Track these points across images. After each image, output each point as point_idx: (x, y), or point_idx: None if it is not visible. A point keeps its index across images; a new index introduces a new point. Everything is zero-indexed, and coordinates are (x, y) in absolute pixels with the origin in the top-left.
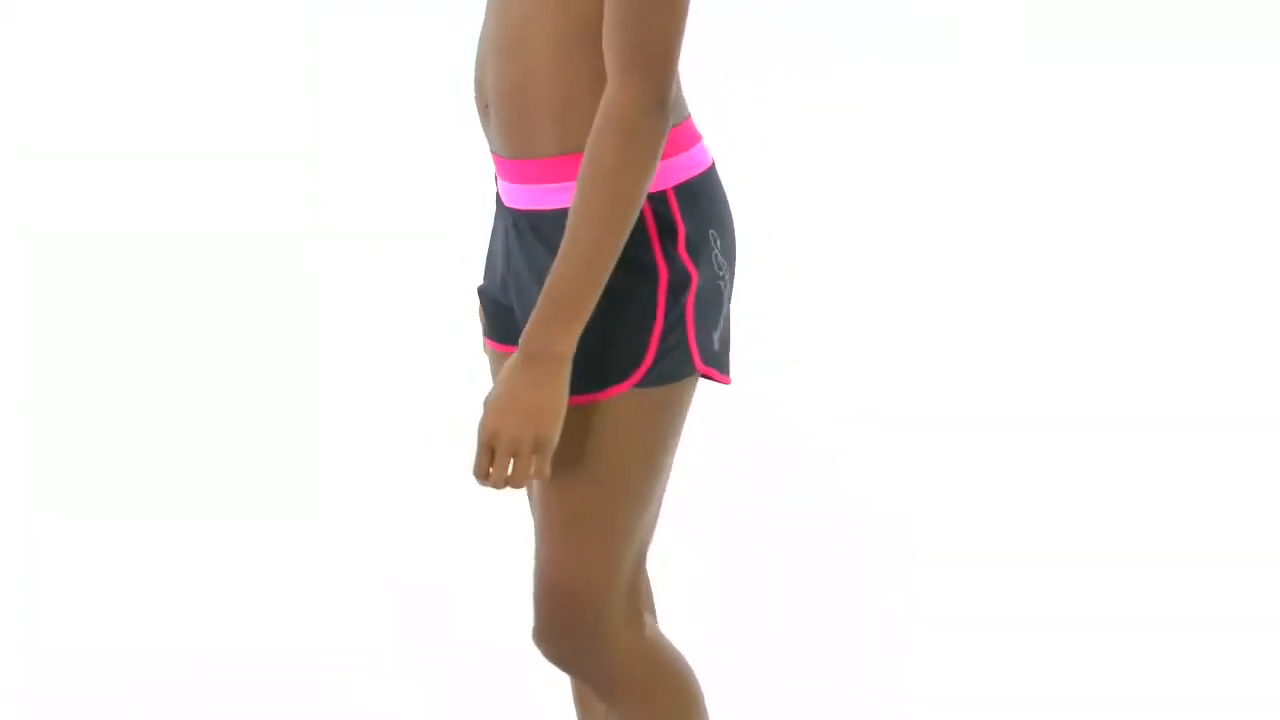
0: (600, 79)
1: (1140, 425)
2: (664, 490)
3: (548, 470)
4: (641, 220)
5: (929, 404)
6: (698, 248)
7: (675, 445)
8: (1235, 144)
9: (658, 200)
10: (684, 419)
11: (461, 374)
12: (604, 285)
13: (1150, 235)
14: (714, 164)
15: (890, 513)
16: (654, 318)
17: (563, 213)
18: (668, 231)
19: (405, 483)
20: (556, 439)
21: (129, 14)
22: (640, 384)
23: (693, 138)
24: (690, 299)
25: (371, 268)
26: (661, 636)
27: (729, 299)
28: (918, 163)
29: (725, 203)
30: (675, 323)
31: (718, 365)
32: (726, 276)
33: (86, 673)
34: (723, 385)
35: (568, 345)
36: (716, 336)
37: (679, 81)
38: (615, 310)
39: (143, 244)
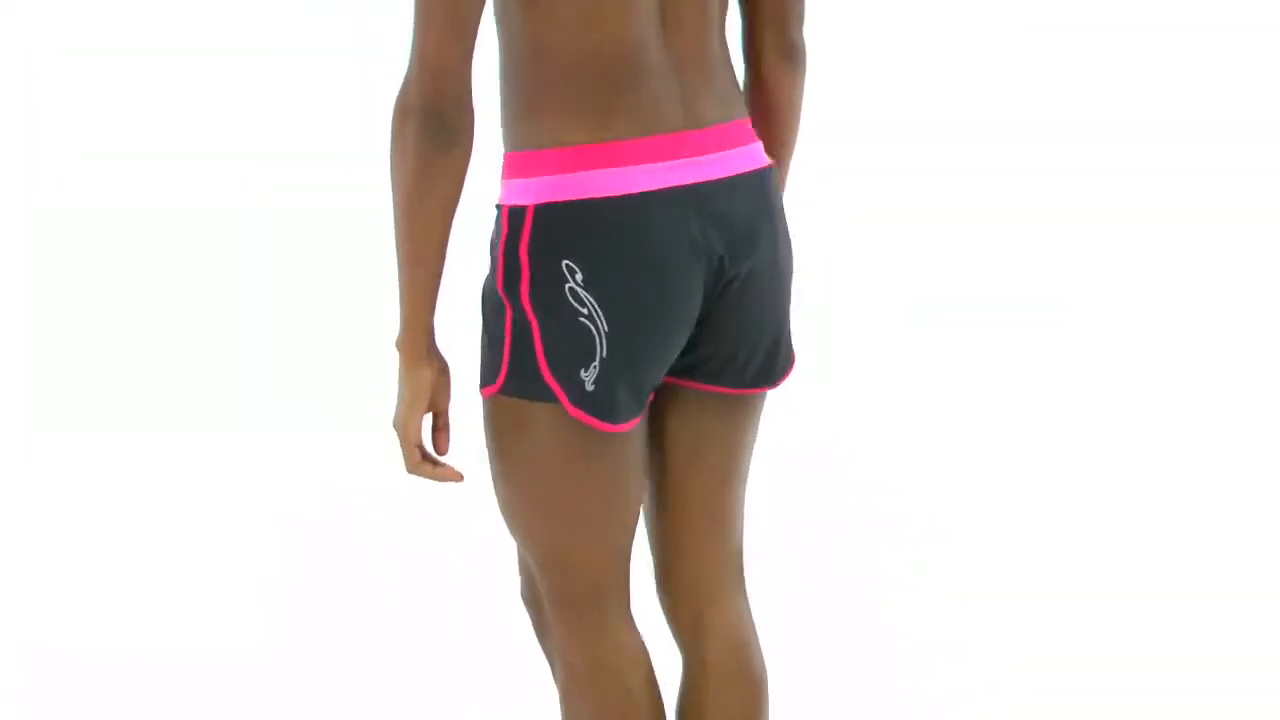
0: (508, 61)
1: (1143, 418)
2: (580, 518)
3: (411, 458)
4: (498, 229)
5: (926, 404)
6: (541, 280)
7: (570, 476)
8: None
9: (517, 214)
10: (568, 453)
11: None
12: (418, 283)
13: (1155, 232)
14: (615, 198)
15: (887, 511)
16: (504, 333)
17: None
18: (513, 250)
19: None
20: (409, 430)
21: (129, 14)
22: (500, 393)
23: (580, 163)
24: (535, 328)
25: (372, 269)
26: (611, 673)
27: (607, 338)
28: (914, 160)
29: (619, 236)
30: (523, 345)
31: (593, 409)
32: (595, 315)
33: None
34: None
35: (403, 340)
36: (589, 377)
37: (584, 102)
38: (488, 313)
39: (140, 240)
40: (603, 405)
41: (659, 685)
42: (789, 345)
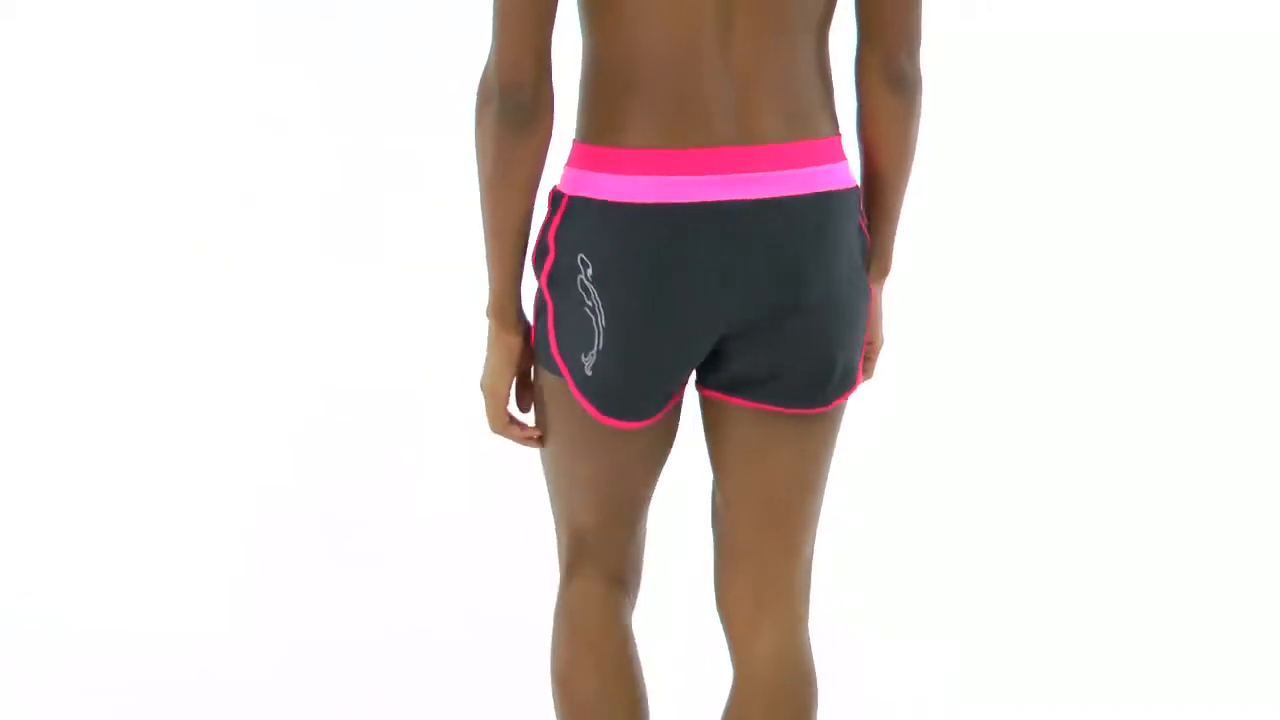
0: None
1: (1137, 417)
2: (577, 484)
3: (496, 419)
4: (545, 210)
5: (924, 400)
6: (562, 265)
7: (572, 446)
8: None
9: (556, 199)
10: (572, 425)
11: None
12: (504, 256)
13: (1160, 231)
14: (632, 205)
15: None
16: (533, 305)
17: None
18: (545, 232)
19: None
20: (498, 392)
21: (132, 17)
22: (539, 361)
23: (611, 164)
24: (550, 307)
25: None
26: (570, 619)
27: (604, 332)
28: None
29: (626, 243)
30: (541, 321)
31: (591, 396)
32: (597, 308)
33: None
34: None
35: (492, 308)
36: (588, 362)
37: (611, 104)
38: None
39: (138, 236)
40: (600, 395)
41: (626, 667)
42: (845, 369)
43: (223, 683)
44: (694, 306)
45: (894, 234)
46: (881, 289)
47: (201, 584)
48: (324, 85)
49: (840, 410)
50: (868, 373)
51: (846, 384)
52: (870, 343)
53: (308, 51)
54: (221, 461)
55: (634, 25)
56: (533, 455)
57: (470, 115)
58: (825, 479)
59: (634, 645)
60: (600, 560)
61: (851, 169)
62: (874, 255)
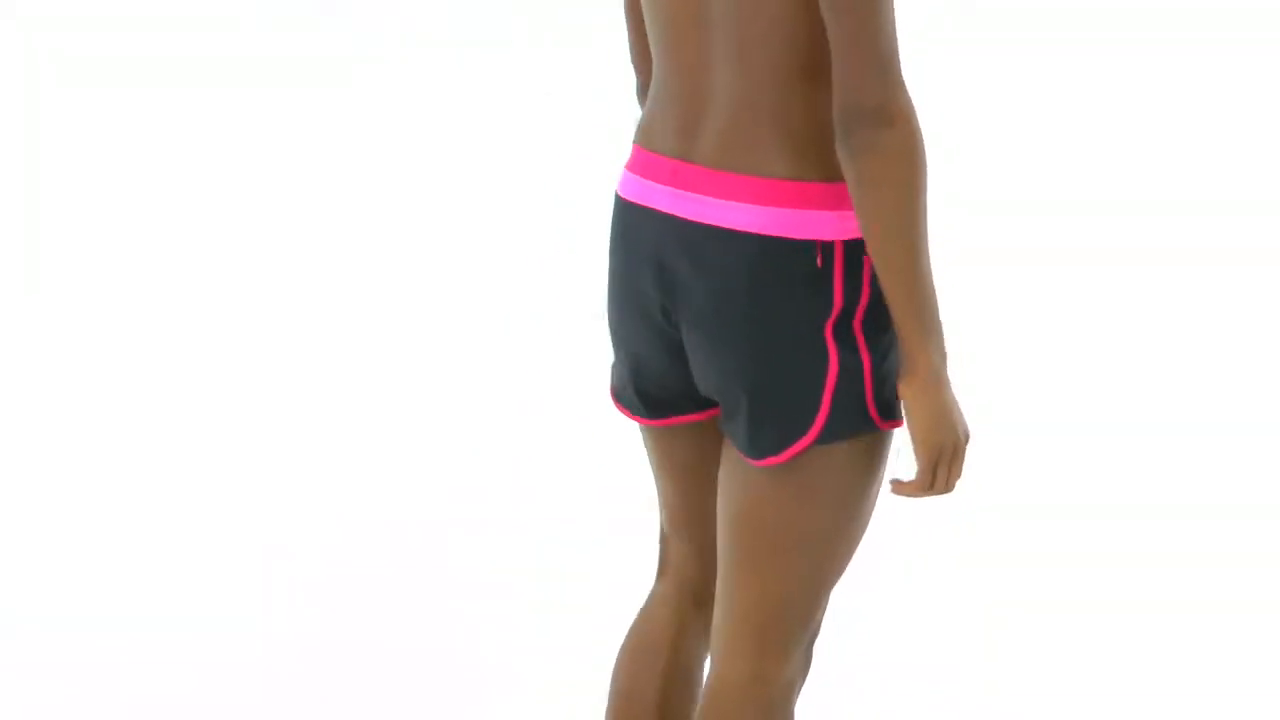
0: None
1: (1145, 417)
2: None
3: None
4: None
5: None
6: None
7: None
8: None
9: None
10: None
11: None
12: None
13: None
14: (617, 195)
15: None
16: None
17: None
18: None
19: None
20: None
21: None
22: None
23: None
24: None
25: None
26: (637, 620)
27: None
28: None
29: (611, 235)
30: None
31: (611, 390)
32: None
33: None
34: None
35: None
36: (614, 363)
37: None
38: None
39: (140, 244)
40: (615, 391)
41: (643, 664)
42: (775, 421)
43: (223, 684)
44: (636, 300)
45: (910, 325)
46: (919, 392)
47: (202, 583)
48: (324, 86)
49: (807, 477)
50: (920, 484)
51: (785, 440)
52: (923, 446)
53: (309, 52)
54: (222, 462)
55: (651, 36)
56: (533, 455)
57: (473, 121)
58: (806, 546)
59: (693, 664)
60: (675, 563)
61: (829, 221)
62: (902, 351)
